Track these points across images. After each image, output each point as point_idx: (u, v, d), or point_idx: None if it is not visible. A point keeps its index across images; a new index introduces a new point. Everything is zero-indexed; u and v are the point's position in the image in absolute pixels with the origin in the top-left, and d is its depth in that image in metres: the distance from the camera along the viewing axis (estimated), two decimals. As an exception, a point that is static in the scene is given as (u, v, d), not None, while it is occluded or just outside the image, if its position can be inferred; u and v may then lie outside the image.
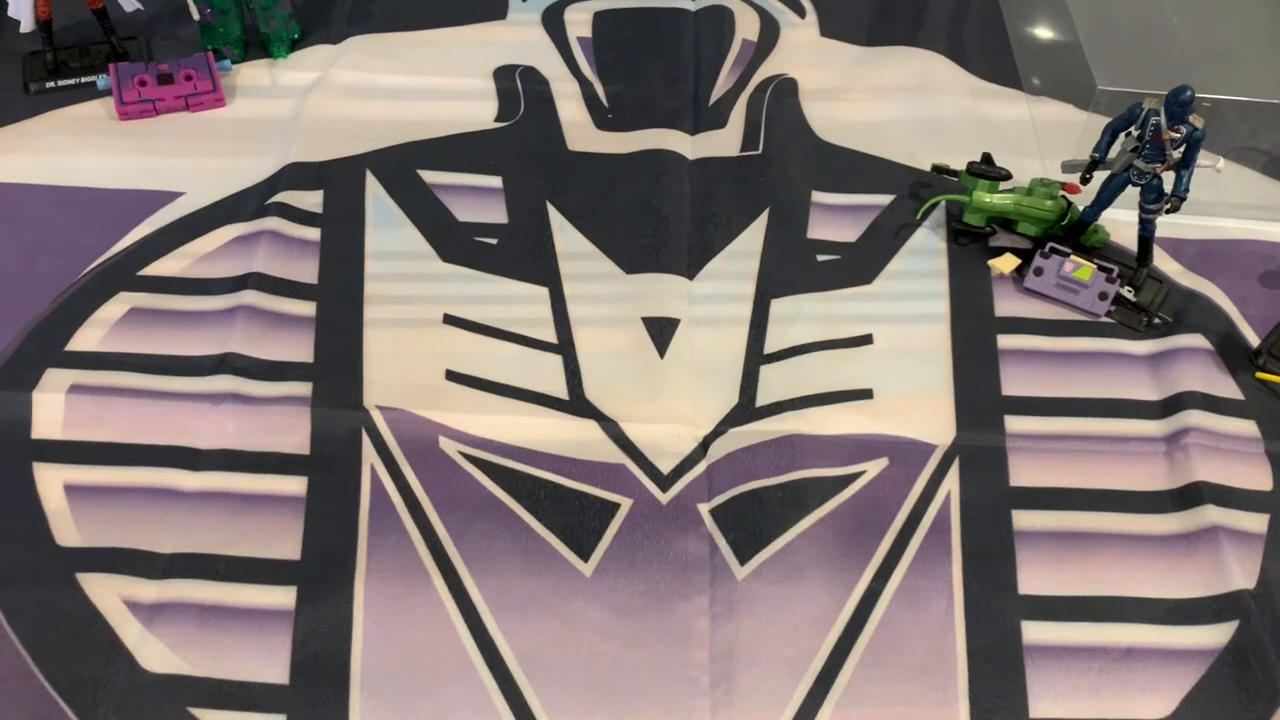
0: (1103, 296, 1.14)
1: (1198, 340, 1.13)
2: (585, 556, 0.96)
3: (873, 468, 1.02)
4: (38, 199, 1.23)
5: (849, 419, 1.05)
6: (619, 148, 1.31)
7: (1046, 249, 1.17)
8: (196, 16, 1.36)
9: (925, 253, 1.21)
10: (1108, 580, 0.95)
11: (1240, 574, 0.95)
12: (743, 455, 1.02)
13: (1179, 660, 0.91)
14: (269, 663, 0.89)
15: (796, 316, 1.14)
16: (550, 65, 1.42)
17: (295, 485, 0.99)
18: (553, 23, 1.49)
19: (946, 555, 0.97)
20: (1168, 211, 1.12)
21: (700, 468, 1.01)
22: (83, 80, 1.36)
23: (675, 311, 1.14)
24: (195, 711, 0.86)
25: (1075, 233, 1.19)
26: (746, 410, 1.06)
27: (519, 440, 1.03)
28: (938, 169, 1.25)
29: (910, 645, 0.91)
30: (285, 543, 0.95)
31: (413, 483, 1.00)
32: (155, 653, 0.88)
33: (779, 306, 1.15)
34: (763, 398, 1.07)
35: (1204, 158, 1.10)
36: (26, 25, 1.31)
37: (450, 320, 1.13)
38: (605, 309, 1.14)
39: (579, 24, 1.49)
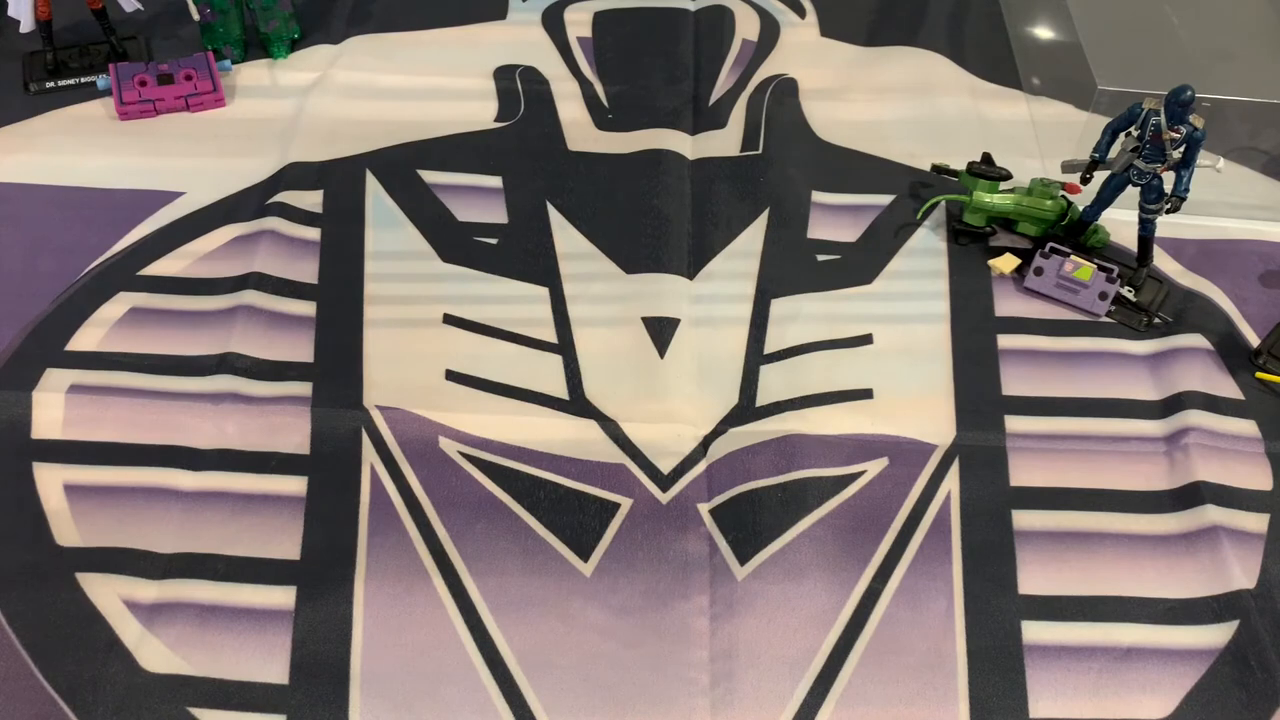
0: (1103, 296, 1.14)
1: (1198, 340, 1.13)
2: (585, 556, 0.95)
3: (873, 468, 1.02)
4: (38, 199, 1.23)
5: (849, 419, 1.05)
6: (619, 148, 1.31)
7: (1046, 249, 1.17)
8: (196, 16, 1.37)
9: (925, 253, 1.21)
10: (1108, 580, 0.95)
11: (1240, 574, 0.95)
12: (743, 455, 1.02)
13: (1179, 660, 0.91)
14: (269, 663, 0.89)
15: (796, 316, 1.14)
16: (550, 65, 1.42)
17: (295, 485, 0.99)
18: (553, 23, 1.49)
19: (946, 555, 0.97)
20: (1168, 211, 1.12)
21: (700, 468, 1.01)
22: (83, 80, 1.36)
23: (675, 311, 1.14)
24: (195, 711, 0.86)
25: (1075, 233, 1.19)
26: (746, 410, 1.06)
27: (519, 440, 1.03)
28: (938, 169, 1.25)
29: (910, 645, 0.91)
30: (285, 542, 0.95)
31: (412, 482, 1.00)
32: (155, 652, 0.88)
33: (779, 306, 1.15)
34: (763, 398, 1.07)
35: (1204, 158, 1.09)
36: (26, 25, 1.32)
37: (450, 320, 1.13)
38: (605, 309, 1.14)
39: (579, 24, 1.49)
